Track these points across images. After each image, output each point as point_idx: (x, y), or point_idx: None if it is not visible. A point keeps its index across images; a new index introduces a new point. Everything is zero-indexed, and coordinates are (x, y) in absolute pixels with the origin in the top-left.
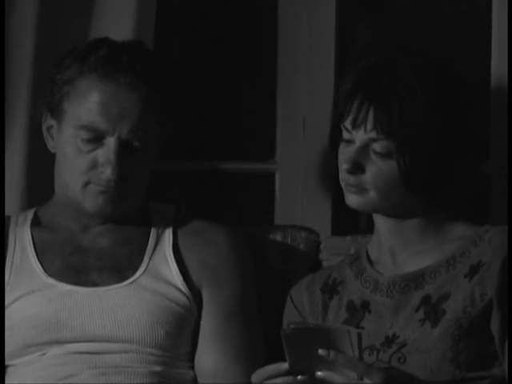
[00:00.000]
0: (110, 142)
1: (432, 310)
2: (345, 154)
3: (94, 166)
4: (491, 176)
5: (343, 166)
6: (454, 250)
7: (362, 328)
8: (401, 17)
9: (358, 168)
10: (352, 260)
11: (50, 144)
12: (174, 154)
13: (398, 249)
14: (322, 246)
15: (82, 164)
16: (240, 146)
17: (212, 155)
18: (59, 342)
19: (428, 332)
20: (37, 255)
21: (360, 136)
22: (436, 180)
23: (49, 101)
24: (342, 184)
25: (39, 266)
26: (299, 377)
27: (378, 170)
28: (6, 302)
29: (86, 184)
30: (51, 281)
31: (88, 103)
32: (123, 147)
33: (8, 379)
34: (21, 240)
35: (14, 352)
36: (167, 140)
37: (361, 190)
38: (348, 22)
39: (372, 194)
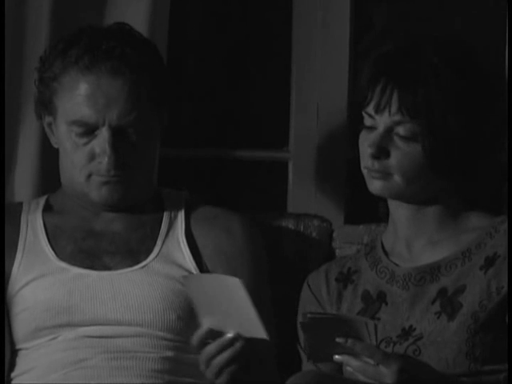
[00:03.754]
0: (103, 132)
1: (448, 303)
2: (368, 139)
3: (92, 157)
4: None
5: (367, 152)
6: (470, 241)
7: (378, 319)
8: (416, 3)
9: (382, 152)
10: (367, 251)
11: (52, 140)
12: (187, 141)
13: (414, 239)
14: (334, 235)
15: (81, 157)
16: (254, 134)
17: (225, 143)
18: (71, 326)
19: (444, 325)
20: (48, 240)
21: (384, 120)
22: (462, 164)
23: (42, 98)
24: (365, 171)
25: (51, 250)
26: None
27: (402, 153)
28: (19, 285)
29: (89, 176)
30: (63, 264)
31: (74, 97)
32: (117, 135)
33: (20, 363)
34: (33, 225)
35: (26, 335)
36: (168, 123)
37: (385, 175)
38: (363, 8)
39: (396, 178)
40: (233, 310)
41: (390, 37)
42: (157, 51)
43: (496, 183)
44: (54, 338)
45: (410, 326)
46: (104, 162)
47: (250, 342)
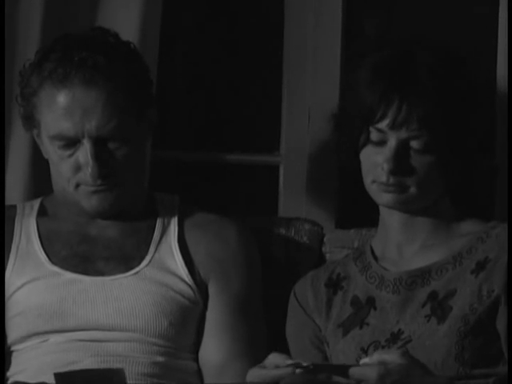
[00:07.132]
0: (84, 143)
1: (438, 306)
2: (380, 155)
3: (77, 168)
4: (498, 172)
5: (382, 167)
6: (461, 246)
7: (367, 324)
8: (407, 11)
9: (400, 167)
10: (356, 255)
11: (42, 150)
12: (178, 145)
13: (405, 244)
14: (325, 239)
15: (67, 169)
16: (245, 138)
17: (216, 146)
18: (63, 330)
19: (434, 328)
20: (42, 244)
21: (398, 135)
22: (468, 171)
23: (25, 113)
24: (374, 185)
25: (43, 254)
26: (297, 370)
27: (418, 166)
28: (12, 288)
29: (77, 186)
30: (56, 269)
31: (52, 112)
32: (98, 145)
33: (13, 363)
34: (26, 229)
35: (17, 339)
36: (154, 126)
37: (401, 188)
38: (354, 14)
39: (413, 190)
40: None
41: (382, 42)
42: (136, 56)
43: (488, 189)
44: (45, 341)
45: (399, 330)
46: (88, 173)
47: None
